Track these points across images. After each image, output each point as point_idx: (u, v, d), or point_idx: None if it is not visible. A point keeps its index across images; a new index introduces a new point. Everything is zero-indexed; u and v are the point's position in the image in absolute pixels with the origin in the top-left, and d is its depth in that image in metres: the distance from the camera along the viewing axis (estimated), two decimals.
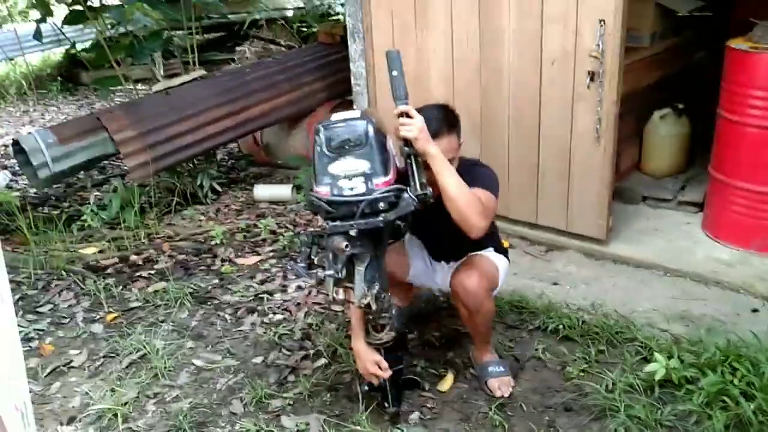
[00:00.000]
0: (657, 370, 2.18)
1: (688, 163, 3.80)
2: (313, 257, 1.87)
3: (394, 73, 1.88)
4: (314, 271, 1.85)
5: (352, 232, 1.75)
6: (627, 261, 3.07)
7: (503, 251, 2.40)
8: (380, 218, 1.75)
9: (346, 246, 1.75)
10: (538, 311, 2.70)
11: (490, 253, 2.32)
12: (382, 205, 1.75)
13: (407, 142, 1.85)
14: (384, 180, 1.76)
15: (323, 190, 1.77)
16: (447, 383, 2.35)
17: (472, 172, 2.12)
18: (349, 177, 1.74)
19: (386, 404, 2.14)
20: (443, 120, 2.07)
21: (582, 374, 2.33)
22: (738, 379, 2.11)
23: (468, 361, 2.45)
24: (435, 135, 1.94)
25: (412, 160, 1.83)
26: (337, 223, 1.76)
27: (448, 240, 2.18)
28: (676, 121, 3.71)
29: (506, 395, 2.25)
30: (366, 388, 2.18)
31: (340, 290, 1.83)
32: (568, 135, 3.04)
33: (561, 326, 2.57)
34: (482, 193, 2.03)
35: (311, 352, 2.57)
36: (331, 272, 1.78)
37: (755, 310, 2.63)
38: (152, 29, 4.55)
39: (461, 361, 2.47)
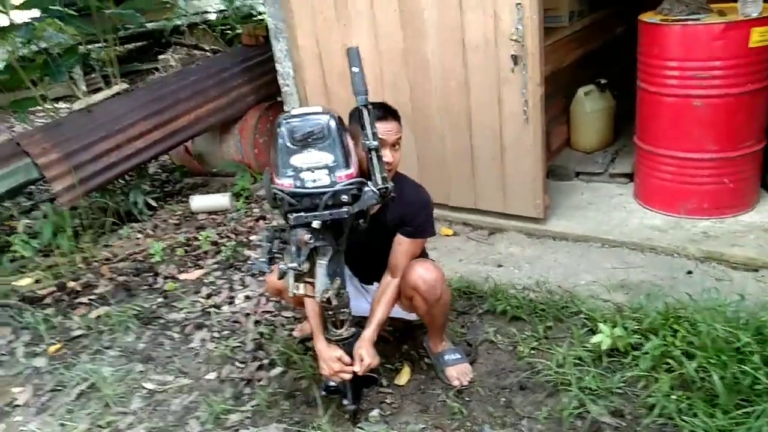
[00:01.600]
0: (603, 341, 2.26)
1: (616, 136, 3.94)
2: (274, 251, 1.86)
3: (355, 69, 1.89)
4: (275, 265, 1.84)
5: (316, 224, 1.75)
6: (566, 237, 3.16)
7: (429, 260, 2.44)
8: (344, 209, 1.76)
9: (310, 238, 1.76)
10: (486, 295, 2.75)
11: None
12: (345, 197, 1.76)
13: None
14: (347, 173, 1.77)
15: (286, 182, 1.75)
16: (404, 376, 2.37)
17: (412, 204, 2.14)
18: (312, 169, 1.74)
19: (345, 402, 2.13)
20: (390, 108, 2.14)
21: (533, 352, 2.39)
22: (679, 341, 2.21)
23: (423, 351, 2.48)
24: (384, 117, 2.03)
25: (373, 155, 1.85)
26: (302, 214, 1.75)
27: (381, 259, 2.21)
28: (600, 96, 3.83)
29: (465, 383, 2.28)
30: (323, 392, 2.17)
31: (300, 285, 1.81)
32: (498, 119, 3.09)
33: (509, 307, 2.63)
34: (414, 248, 2.17)
35: (265, 361, 2.54)
36: (294, 265, 1.76)
37: (689, 272, 2.76)
38: (67, 45, 4.36)
39: (415, 352, 2.49)
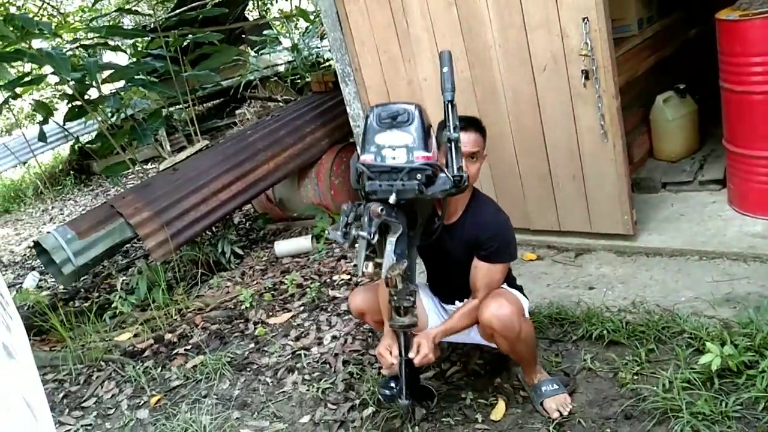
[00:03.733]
0: (712, 361, 2.10)
1: (702, 141, 3.73)
2: (350, 223, 1.89)
3: (444, 69, 2.00)
4: (349, 236, 1.87)
5: (391, 199, 1.81)
6: (659, 252, 2.99)
7: (518, 286, 2.39)
8: (415, 182, 1.82)
9: (382, 210, 1.82)
10: (579, 320, 2.63)
11: (506, 287, 2.29)
12: (419, 176, 1.83)
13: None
14: (424, 155, 1.85)
15: (368, 158, 1.86)
16: (500, 411, 2.28)
17: (487, 225, 2.14)
18: (393, 147, 1.85)
19: (400, 398, 2.08)
20: (477, 122, 2.21)
21: (636, 378, 2.25)
22: None
23: (518, 383, 2.39)
24: (465, 127, 2.08)
25: (452, 145, 1.91)
26: (376, 182, 1.83)
27: (459, 278, 2.19)
28: (680, 102, 3.66)
29: (565, 414, 2.18)
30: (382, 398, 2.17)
31: (370, 264, 1.87)
32: (574, 136, 3.00)
33: (605, 331, 2.50)
34: (491, 273, 2.15)
35: (357, 402, 2.52)
36: (364, 234, 1.81)
37: None
38: (151, 110, 4.65)
39: (509, 385, 2.40)
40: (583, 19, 2.74)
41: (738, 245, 2.84)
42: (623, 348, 2.42)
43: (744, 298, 2.51)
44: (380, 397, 2.18)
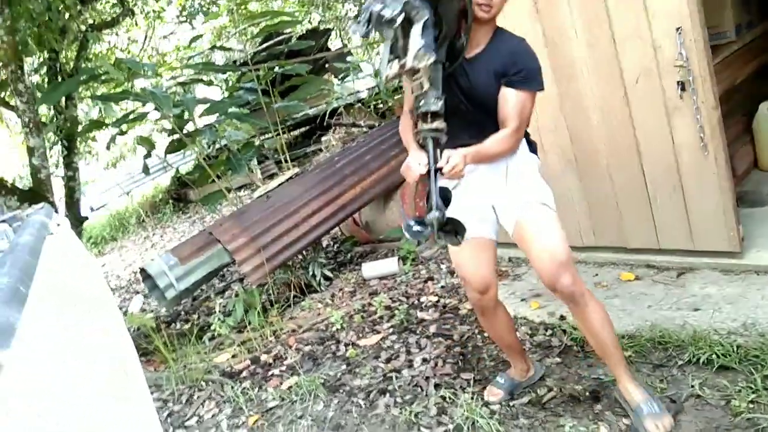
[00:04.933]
0: None
1: None
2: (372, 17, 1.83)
3: None
4: (372, 19, 1.80)
5: None
6: None
7: (532, 144, 2.28)
8: None
9: None
10: (685, 343, 2.49)
11: (534, 181, 2.20)
12: None
13: None
14: None
15: None
16: None
17: (514, 53, 2.04)
18: None
19: (429, 213, 1.90)
20: None
21: (752, 406, 2.09)
22: None
23: (620, 409, 2.28)
24: None
25: None
26: None
27: (479, 115, 2.09)
28: None
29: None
30: (407, 234, 1.99)
31: (394, 63, 1.82)
32: (671, 150, 2.87)
33: (714, 355, 2.35)
34: (527, 102, 2.06)
35: (450, 426, 2.49)
36: (388, 12, 1.75)
37: None
38: (244, 140, 4.88)
39: (611, 412, 2.30)
40: (677, 29, 2.64)
41: None
42: (735, 373, 2.26)
43: None
44: (408, 237, 2.05)
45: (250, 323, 3.87)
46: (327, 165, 4.45)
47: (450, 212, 1.92)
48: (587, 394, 2.43)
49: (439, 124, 1.88)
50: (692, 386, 2.28)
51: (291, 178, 4.43)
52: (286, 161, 4.75)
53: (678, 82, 2.73)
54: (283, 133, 5.17)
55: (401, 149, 4.50)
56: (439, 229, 1.89)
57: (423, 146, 1.94)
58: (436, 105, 1.86)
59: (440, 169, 1.86)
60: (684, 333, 2.54)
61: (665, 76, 2.76)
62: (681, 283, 2.98)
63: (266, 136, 5.43)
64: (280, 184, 4.34)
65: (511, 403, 2.52)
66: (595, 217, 3.24)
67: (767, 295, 2.66)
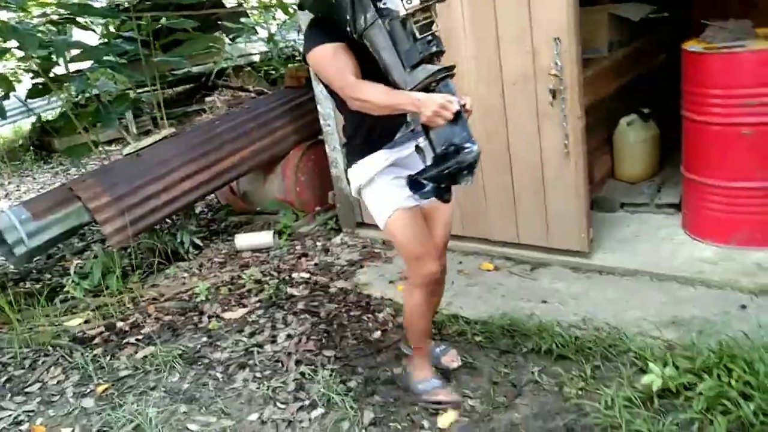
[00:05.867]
0: (653, 381, 2.17)
1: (662, 165, 3.84)
2: None
3: None
4: None
5: None
6: (613, 271, 3.08)
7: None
8: None
9: None
10: (530, 333, 2.68)
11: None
12: None
13: None
14: None
15: None
16: (447, 418, 2.31)
17: None
18: None
19: (472, 143, 1.87)
20: None
21: (580, 393, 2.31)
22: (735, 380, 2.10)
23: (467, 391, 2.42)
24: None
25: None
26: None
27: None
28: (643, 125, 3.76)
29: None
30: (412, 190, 1.96)
31: None
32: (538, 153, 3.06)
33: (554, 345, 2.56)
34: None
35: (306, 402, 2.52)
36: None
37: (743, 307, 2.64)
38: (118, 93, 4.56)
39: (458, 392, 2.43)
40: (555, 39, 2.80)
41: (688, 269, 2.93)
42: (570, 363, 2.47)
43: (689, 322, 2.60)
44: (434, 197, 1.94)
45: (107, 288, 3.67)
46: (206, 129, 4.28)
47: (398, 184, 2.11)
48: (440, 373, 2.56)
49: (446, 64, 1.90)
50: (532, 372, 2.47)
51: (166, 138, 4.20)
52: (162, 119, 4.51)
53: (550, 89, 2.90)
54: (163, 89, 4.89)
55: (287, 121, 4.44)
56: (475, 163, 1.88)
57: (430, 90, 1.87)
58: (442, 45, 1.90)
59: (464, 105, 1.90)
60: (531, 323, 2.74)
61: (540, 83, 2.93)
62: (534, 276, 3.20)
63: (144, 90, 5.12)
64: (153, 143, 4.11)
65: (368, 382, 2.60)
66: (464, 208, 3.39)
67: (607, 294, 2.92)
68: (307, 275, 3.61)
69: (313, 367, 2.74)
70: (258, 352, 2.94)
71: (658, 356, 2.35)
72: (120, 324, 3.41)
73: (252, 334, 3.11)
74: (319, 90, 3.85)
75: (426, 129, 1.91)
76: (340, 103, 2.11)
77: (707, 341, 2.34)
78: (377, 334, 2.93)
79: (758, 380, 2.04)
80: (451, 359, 2.57)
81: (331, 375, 2.64)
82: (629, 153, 3.80)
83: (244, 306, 3.40)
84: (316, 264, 3.75)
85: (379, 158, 2.16)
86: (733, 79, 2.82)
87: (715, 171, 2.98)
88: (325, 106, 3.88)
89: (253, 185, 4.60)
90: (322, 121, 3.94)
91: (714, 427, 1.99)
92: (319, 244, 4.02)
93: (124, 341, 3.24)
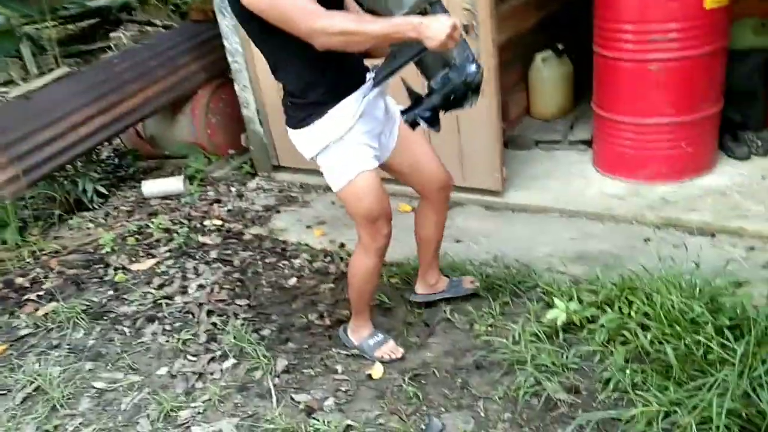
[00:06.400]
0: (558, 316, 2.23)
1: (576, 102, 3.87)
2: None
3: None
4: None
5: None
6: (525, 208, 3.11)
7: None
8: None
9: None
10: (444, 272, 2.69)
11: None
12: None
13: None
14: None
15: None
16: (377, 371, 2.28)
17: None
18: None
19: (476, 65, 1.80)
20: None
21: (490, 329, 2.35)
22: (635, 312, 2.18)
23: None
24: None
25: None
26: None
27: None
28: (557, 62, 3.75)
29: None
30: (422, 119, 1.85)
31: None
32: None
33: None
34: None
35: (218, 353, 2.46)
36: None
37: (647, 240, 2.73)
38: (3, 28, 4.14)
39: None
40: None
41: (596, 205, 3.00)
42: (481, 301, 2.51)
43: (595, 257, 2.67)
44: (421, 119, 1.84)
45: (4, 242, 3.42)
46: (104, 68, 3.96)
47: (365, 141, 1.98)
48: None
49: None
50: (444, 311, 2.50)
51: (60, 78, 3.87)
52: (56, 58, 4.15)
53: (464, 25, 2.81)
54: (61, 24, 4.48)
55: (193, 58, 4.16)
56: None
57: (425, 13, 1.72)
58: None
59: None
60: (444, 262, 2.74)
61: (454, 17, 2.83)
62: (449, 216, 3.16)
63: (35, 25, 4.67)
64: (45, 85, 3.78)
65: (282, 330, 2.56)
66: None
67: (517, 232, 2.96)
68: (219, 222, 3.48)
69: (225, 317, 2.67)
70: (167, 304, 2.83)
71: (564, 291, 2.40)
72: (19, 280, 3.19)
73: (161, 286, 2.99)
74: (224, 24, 3.62)
75: (410, 58, 1.75)
76: (278, 51, 1.85)
77: (611, 275, 2.41)
78: (293, 281, 2.88)
79: (655, 311, 2.12)
80: (470, 281, 2.54)
81: (243, 324, 2.58)
82: (544, 89, 3.80)
83: (153, 256, 3.25)
84: (229, 210, 3.61)
85: (348, 112, 1.92)
86: (642, 14, 2.81)
87: (623, 107, 3.02)
88: (232, 41, 3.65)
89: (160, 128, 4.34)
90: (229, 58, 3.73)
91: (614, 357, 2.07)
92: (233, 189, 3.87)
93: (24, 298, 3.05)
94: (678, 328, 2.04)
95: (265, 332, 2.55)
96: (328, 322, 2.55)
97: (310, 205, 3.56)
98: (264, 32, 1.79)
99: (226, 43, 3.68)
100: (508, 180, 3.23)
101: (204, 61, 4.18)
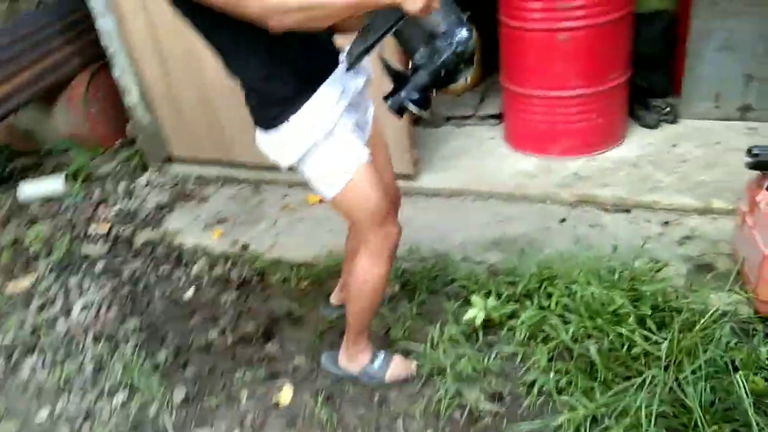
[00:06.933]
0: (476, 316, 2.09)
1: (485, 74, 3.72)
2: None
3: None
4: None
5: None
6: (438, 192, 2.95)
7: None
8: None
9: None
10: None
11: None
12: None
13: None
14: None
15: None
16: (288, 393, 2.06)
17: None
18: None
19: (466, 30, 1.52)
20: None
21: (406, 335, 2.19)
22: (555, 304, 2.07)
23: (293, 347, 2.22)
24: None
25: None
26: None
27: None
28: None
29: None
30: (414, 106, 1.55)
31: None
32: None
33: None
34: None
35: (106, 387, 2.18)
36: None
37: (563, 220, 2.64)
38: None
39: (281, 348, 2.23)
40: None
41: (509, 184, 2.88)
42: (397, 302, 2.34)
43: (512, 241, 2.55)
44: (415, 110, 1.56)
45: None
46: None
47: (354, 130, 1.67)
48: (260, 332, 2.33)
49: None
50: None
51: None
52: None
53: None
54: None
55: (64, 41, 3.70)
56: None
57: None
58: None
59: None
60: None
61: None
62: None
63: None
64: None
65: (180, 352, 2.31)
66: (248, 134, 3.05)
67: (432, 219, 2.80)
68: (106, 227, 3.13)
69: (113, 342, 2.38)
70: (49, 331, 2.50)
71: (482, 284, 2.27)
72: None
73: (41, 308, 2.65)
74: (96, 2, 3.19)
75: (387, 30, 1.44)
76: (229, 43, 1.50)
77: (529, 263, 2.29)
78: (190, 292, 2.61)
79: (575, 303, 2.03)
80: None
81: (135, 350, 2.30)
82: None
83: (31, 273, 2.88)
84: (117, 212, 3.26)
85: (328, 102, 1.58)
86: None
87: (532, 80, 2.89)
88: (108, 21, 3.24)
89: (36, 120, 3.88)
90: (104, 41, 3.31)
91: (536, 357, 1.95)
92: (121, 186, 3.49)
93: None
94: (600, 320, 1.95)
95: (160, 357, 2.28)
96: (230, 339, 2.31)
97: (209, 201, 3.26)
98: (212, 24, 1.46)
99: (98, 23, 3.26)
100: (420, 162, 3.05)
101: (79, 44, 3.73)
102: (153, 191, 3.43)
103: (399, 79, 1.57)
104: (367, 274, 1.82)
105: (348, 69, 1.56)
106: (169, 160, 3.58)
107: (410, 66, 1.56)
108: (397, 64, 1.63)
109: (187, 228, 3.05)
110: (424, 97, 1.55)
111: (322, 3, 1.34)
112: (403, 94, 1.54)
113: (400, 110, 1.57)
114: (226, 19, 1.38)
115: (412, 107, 1.55)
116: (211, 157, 3.40)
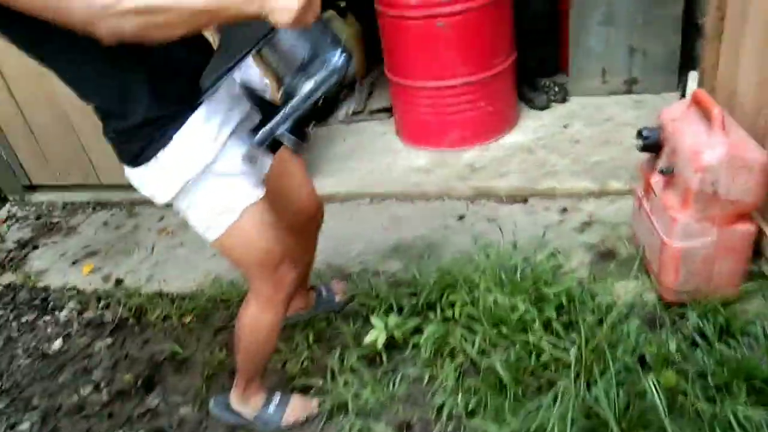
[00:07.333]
0: (378, 338, 1.92)
1: (371, 65, 3.53)
2: None
3: None
4: None
5: None
6: (331, 197, 2.74)
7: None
8: None
9: None
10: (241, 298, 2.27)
11: None
12: None
13: None
14: None
15: None
16: None
17: None
18: None
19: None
20: None
21: (305, 367, 1.99)
22: (458, 315, 1.94)
23: (176, 397, 1.97)
24: None
25: None
26: None
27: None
28: (341, 23, 3.36)
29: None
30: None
31: None
32: None
33: None
34: None
35: None
36: None
37: (461, 217, 2.51)
38: None
39: (163, 401, 1.97)
40: None
41: (405, 183, 2.74)
42: (293, 330, 2.13)
43: (410, 246, 2.41)
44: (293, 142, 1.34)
45: None
46: None
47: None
48: (140, 383, 2.06)
49: None
50: None
51: None
52: None
53: None
54: None
55: None
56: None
57: None
58: None
59: None
60: (246, 286, 2.31)
61: None
62: None
63: None
64: None
65: (47, 417, 2.00)
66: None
67: (327, 229, 2.56)
68: None
69: None
70: None
71: (383, 298, 2.10)
72: None
73: None
74: None
75: (253, 47, 1.20)
76: (63, 61, 1.21)
77: (429, 269, 2.15)
78: (58, 343, 2.29)
79: (479, 311, 1.90)
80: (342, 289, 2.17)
81: None
82: None
83: None
84: None
85: (206, 129, 1.33)
86: None
87: (416, 71, 2.74)
88: None
89: None
90: None
91: (443, 376, 1.81)
92: None
93: None
94: (505, 329, 1.83)
95: (24, 426, 1.98)
96: (105, 395, 2.03)
97: (77, 231, 2.92)
98: (37, 39, 1.15)
99: None
100: (311, 164, 2.84)
101: None
102: (13, 226, 3.03)
103: (266, 110, 1.36)
104: (258, 322, 1.62)
105: (203, 95, 1.30)
106: (30, 188, 3.18)
107: (280, 94, 1.33)
108: (264, 92, 1.41)
109: (53, 266, 2.70)
110: (300, 128, 1.33)
111: (167, 5, 1.07)
112: (272, 126, 1.31)
113: (273, 146, 1.36)
114: (53, 32, 1.08)
115: (286, 141, 1.33)
116: (76, 182, 3.04)
